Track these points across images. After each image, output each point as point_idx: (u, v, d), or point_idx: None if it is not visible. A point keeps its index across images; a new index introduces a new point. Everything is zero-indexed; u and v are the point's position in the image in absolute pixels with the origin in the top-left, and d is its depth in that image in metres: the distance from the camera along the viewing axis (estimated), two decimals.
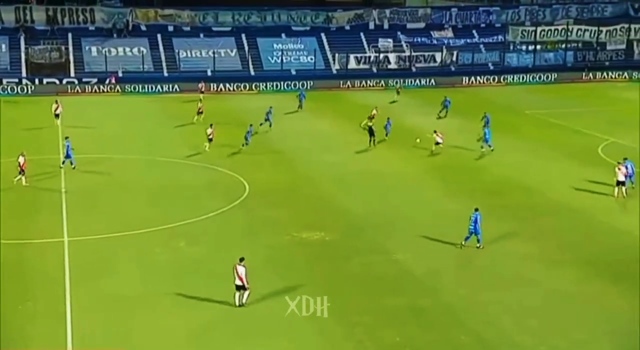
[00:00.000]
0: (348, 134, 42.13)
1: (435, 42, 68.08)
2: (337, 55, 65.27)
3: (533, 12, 70.60)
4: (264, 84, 60.90)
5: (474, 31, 69.76)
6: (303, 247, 24.97)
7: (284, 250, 24.92)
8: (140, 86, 58.70)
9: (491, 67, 66.98)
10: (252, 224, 27.41)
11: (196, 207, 29.09)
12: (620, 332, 19.26)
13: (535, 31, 68.50)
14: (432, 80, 62.53)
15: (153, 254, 24.51)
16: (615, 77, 66.23)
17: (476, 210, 24.80)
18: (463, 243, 24.62)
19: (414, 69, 66.02)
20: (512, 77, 65.12)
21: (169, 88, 59.05)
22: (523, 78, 65.20)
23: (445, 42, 68.00)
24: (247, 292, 20.36)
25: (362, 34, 68.05)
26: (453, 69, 66.61)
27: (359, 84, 62.40)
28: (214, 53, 62.57)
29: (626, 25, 68.98)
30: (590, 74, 66.30)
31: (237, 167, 35.02)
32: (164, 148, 39.16)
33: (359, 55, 65.80)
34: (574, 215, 28.29)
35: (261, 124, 42.98)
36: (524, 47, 68.88)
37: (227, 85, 60.12)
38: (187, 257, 24.29)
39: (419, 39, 67.82)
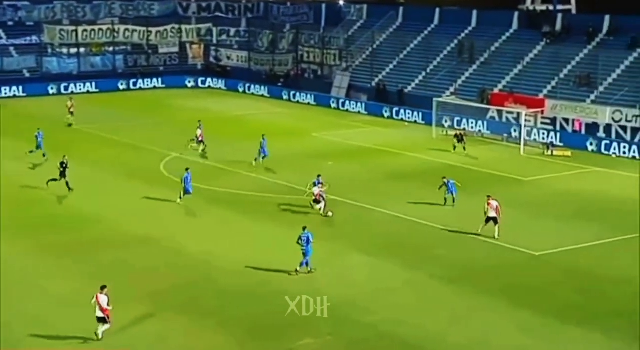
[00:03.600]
0: None
1: None
2: None
3: (71, 9, 71.39)
4: None
5: (0, 31, 68.26)
6: None
7: None
8: None
9: (27, 75, 66.21)
10: None
11: None
12: None
13: (77, 31, 69.60)
14: None
15: None
16: (171, 84, 70.83)
17: (304, 229, 26.27)
18: (298, 269, 26.03)
19: None
20: (55, 85, 65.27)
21: None
22: (67, 87, 65.77)
23: None
24: (106, 326, 20.81)
25: None
26: None
27: None
28: None
29: (177, 26, 74.17)
30: (145, 81, 69.95)
31: None
32: None
33: None
34: (143, 246, 29.25)
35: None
36: (65, 50, 69.51)
37: None
38: None
39: None
